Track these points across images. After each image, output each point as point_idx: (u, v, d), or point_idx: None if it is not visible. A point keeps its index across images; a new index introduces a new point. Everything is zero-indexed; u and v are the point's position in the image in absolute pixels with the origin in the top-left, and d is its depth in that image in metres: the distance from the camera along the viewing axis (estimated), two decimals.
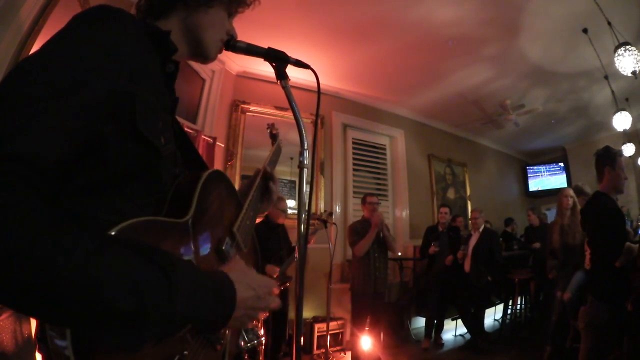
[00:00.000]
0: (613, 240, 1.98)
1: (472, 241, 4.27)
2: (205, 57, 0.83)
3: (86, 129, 0.50)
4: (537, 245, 4.81)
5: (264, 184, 1.01)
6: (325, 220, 3.52)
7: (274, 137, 1.21)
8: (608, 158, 2.21)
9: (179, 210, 0.63)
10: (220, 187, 0.77)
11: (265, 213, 3.52)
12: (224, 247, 0.72)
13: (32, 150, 0.43)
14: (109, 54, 0.54)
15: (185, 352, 0.59)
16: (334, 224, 3.58)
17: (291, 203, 4.18)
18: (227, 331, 0.75)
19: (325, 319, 3.57)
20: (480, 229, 4.29)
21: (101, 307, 0.41)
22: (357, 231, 3.40)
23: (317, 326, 3.84)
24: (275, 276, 3.12)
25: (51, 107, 0.46)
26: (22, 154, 0.42)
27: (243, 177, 4.23)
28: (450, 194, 6.32)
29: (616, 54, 3.12)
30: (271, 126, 1.30)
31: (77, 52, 0.51)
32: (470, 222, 4.71)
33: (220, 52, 0.85)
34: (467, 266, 4.20)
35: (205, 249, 0.68)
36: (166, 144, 0.64)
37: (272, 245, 3.35)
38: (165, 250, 0.51)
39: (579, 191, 3.85)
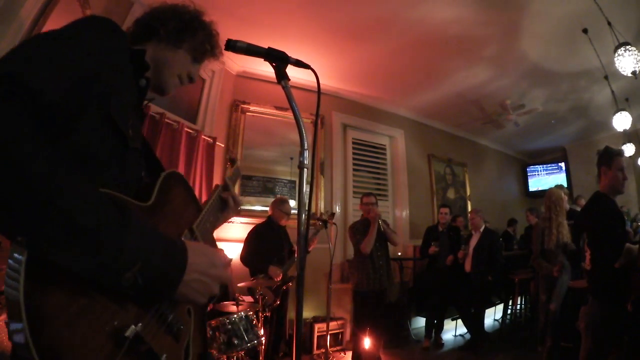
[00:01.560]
0: (612, 241, 1.98)
1: (473, 241, 4.28)
2: (161, 90, 0.92)
3: (75, 91, 0.58)
4: None
5: (222, 196, 1.09)
6: (325, 220, 3.52)
7: (232, 161, 1.34)
8: (605, 158, 2.19)
9: (141, 200, 0.68)
10: (179, 186, 0.82)
11: (269, 214, 3.54)
12: (183, 239, 0.73)
13: (38, 86, 0.52)
14: (105, 50, 0.66)
15: (140, 324, 0.57)
16: (334, 224, 3.58)
17: (291, 203, 4.18)
18: (188, 317, 0.77)
19: (325, 319, 3.57)
20: (481, 229, 4.29)
21: (59, 215, 0.47)
22: (358, 230, 3.41)
23: (317, 326, 3.84)
24: (278, 279, 3.10)
25: (59, 61, 0.57)
26: (29, 84, 0.51)
27: (243, 177, 4.23)
28: (450, 194, 6.32)
29: (616, 54, 3.12)
30: (231, 152, 1.50)
31: (85, 39, 0.64)
32: (469, 222, 4.72)
33: (176, 88, 0.93)
34: (467, 266, 4.20)
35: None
36: (134, 139, 0.72)
37: (274, 246, 3.36)
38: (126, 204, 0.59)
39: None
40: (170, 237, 0.63)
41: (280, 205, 3.53)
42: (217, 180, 3.98)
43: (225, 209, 1.09)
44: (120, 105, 0.67)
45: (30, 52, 0.55)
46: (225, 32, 0.97)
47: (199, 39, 0.92)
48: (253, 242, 3.36)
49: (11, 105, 0.48)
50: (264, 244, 3.34)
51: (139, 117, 0.82)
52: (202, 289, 0.65)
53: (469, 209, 6.32)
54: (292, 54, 0.94)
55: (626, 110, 4.20)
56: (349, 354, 3.79)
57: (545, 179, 8.00)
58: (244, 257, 3.33)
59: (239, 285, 2.87)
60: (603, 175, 2.18)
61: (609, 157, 2.16)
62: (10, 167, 0.45)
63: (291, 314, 3.58)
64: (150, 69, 0.83)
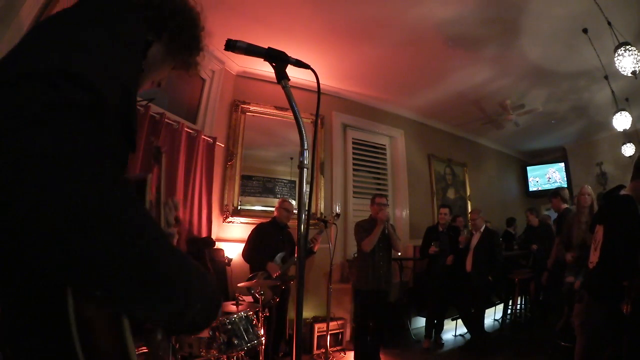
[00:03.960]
0: (627, 247, 1.88)
1: (474, 241, 4.28)
2: None
3: (123, 93, 0.51)
4: (534, 247, 4.82)
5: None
6: (325, 220, 3.54)
7: (157, 155, 1.04)
8: None
9: None
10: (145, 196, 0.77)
11: (274, 215, 3.56)
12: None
13: (102, 90, 0.44)
14: (139, 38, 0.63)
15: None
16: (334, 224, 3.59)
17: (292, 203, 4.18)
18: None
19: (325, 319, 3.57)
20: (482, 229, 4.29)
21: (142, 265, 0.41)
22: (364, 228, 3.43)
23: (317, 326, 3.84)
24: (275, 275, 3.14)
25: (113, 56, 0.51)
26: (95, 88, 0.43)
27: (243, 177, 4.24)
28: (450, 194, 6.32)
29: (616, 54, 3.12)
30: (154, 143, 1.23)
31: (128, 25, 0.60)
32: (469, 222, 4.72)
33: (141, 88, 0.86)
34: (468, 266, 4.20)
35: None
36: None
37: (275, 245, 3.39)
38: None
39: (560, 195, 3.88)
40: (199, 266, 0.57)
41: (282, 204, 3.58)
42: (217, 180, 3.98)
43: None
44: (133, 106, 0.60)
45: (86, 44, 0.47)
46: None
47: (193, 54, 0.88)
48: (255, 239, 3.41)
49: (81, 116, 0.40)
50: (265, 242, 3.38)
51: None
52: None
53: (469, 209, 6.32)
54: (292, 53, 0.94)
55: (626, 110, 4.20)
56: (349, 354, 3.80)
57: (545, 179, 7.99)
58: (245, 253, 3.40)
59: (238, 285, 2.87)
60: (638, 179, 2.01)
61: None
62: (92, 214, 0.37)
63: (291, 314, 3.58)
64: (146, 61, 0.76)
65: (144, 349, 0.61)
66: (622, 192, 2.08)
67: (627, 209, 1.97)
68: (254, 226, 3.58)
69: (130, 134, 0.59)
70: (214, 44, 3.78)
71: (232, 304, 2.58)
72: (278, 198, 4.07)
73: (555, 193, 4.13)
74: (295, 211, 3.72)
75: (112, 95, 0.46)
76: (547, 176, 7.97)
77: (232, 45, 0.90)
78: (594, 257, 2.09)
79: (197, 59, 0.90)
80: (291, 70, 0.94)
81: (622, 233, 1.96)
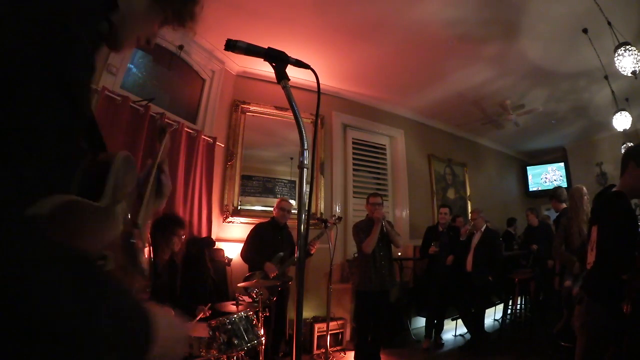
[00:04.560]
0: (623, 244, 1.88)
1: (474, 241, 4.28)
2: (115, 45, 0.68)
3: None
4: (534, 247, 4.82)
5: (157, 177, 0.88)
6: (325, 220, 3.54)
7: (161, 133, 1.03)
8: (636, 153, 1.96)
9: (90, 193, 0.52)
10: (130, 173, 0.67)
11: (273, 215, 3.56)
12: (132, 240, 0.64)
13: None
14: None
15: None
16: (335, 224, 3.59)
17: (291, 203, 4.18)
18: None
19: (325, 319, 3.57)
20: (482, 229, 4.29)
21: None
22: (362, 230, 3.43)
23: (317, 326, 3.84)
24: (272, 276, 3.14)
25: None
26: None
27: (243, 177, 4.24)
28: (450, 194, 6.32)
29: (616, 54, 3.12)
30: (159, 119, 1.19)
31: None
32: (470, 222, 4.72)
33: (131, 48, 0.74)
34: (469, 265, 4.21)
35: (119, 240, 0.61)
36: (86, 110, 0.53)
37: (273, 245, 3.39)
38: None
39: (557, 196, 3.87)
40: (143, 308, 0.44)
41: (280, 204, 3.58)
42: (217, 180, 3.97)
43: (160, 195, 0.87)
44: (82, 61, 0.49)
45: None
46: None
47: (188, 2, 0.74)
48: (253, 239, 3.41)
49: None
50: (264, 242, 3.38)
51: (89, 73, 0.58)
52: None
53: (469, 209, 6.32)
54: (292, 53, 0.94)
55: (626, 110, 4.20)
56: (349, 354, 3.80)
57: (545, 179, 7.99)
58: (243, 253, 3.41)
59: (238, 285, 2.88)
60: (628, 172, 1.98)
61: None
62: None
63: (291, 314, 3.58)
64: (118, 11, 0.62)
65: None
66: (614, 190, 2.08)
67: (617, 204, 1.97)
68: (255, 225, 3.59)
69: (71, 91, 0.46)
70: (214, 43, 3.80)
71: (232, 304, 2.59)
72: (278, 198, 4.07)
73: (551, 195, 4.15)
74: (294, 211, 3.77)
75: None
76: (546, 176, 7.97)
77: (232, 45, 0.90)
78: (590, 258, 2.09)
79: (194, 8, 0.76)
80: (291, 70, 0.94)
81: (614, 228, 1.95)
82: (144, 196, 0.76)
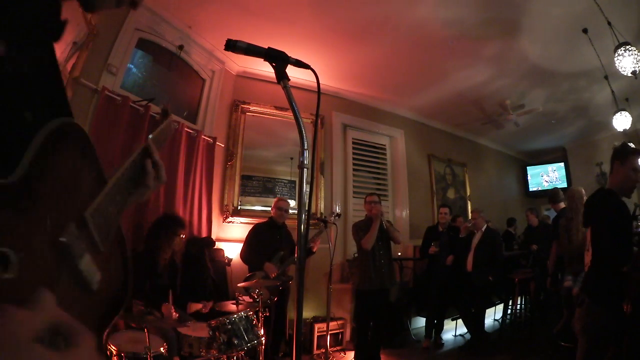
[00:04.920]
0: (618, 241, 1.90)
1: (475, 241, 4.28)
2: (88, 3, 0.60)
3: None
4: (534, 247, 4.81)
5: (141, 162, 0.72)
6: (325, 220, 3.54)
7: (164, 112, 0.96)
8: (620, 153, 2.06)
9: (8, 160, 0.40)
10: (73, 148, 0.51)
11: (271, 215, 3.55)
12: (64, 239, 0.45)
13: None
14: None
15: None
16: (334, 224, 3.59)
17: (291, 203, 4.18)
18: None
19: (325, 319, 3.57)
20: (483, 229, 4.29)
21: None
22: (361, 228, 3.44)
23: (317, 326, 3.84)
24: (272, 276, 3.14)
25: None
26: None
27: (243, 177, 4.24)
28: (450, 194, 6.32)
29: (616, 54, 3.12)
30: (162, 105, 1.03)
31: None
32: (470, 220, 4.72)
33: (107, 9, 0.65)
34: (469, 265, 4.21)
35: (37, 236, 0.41)
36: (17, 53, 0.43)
37: (272, 245, 3.39)
38: None
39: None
40: None
41: (277, 203, 3.58)
42: (217, 180, 3.97)
43: (142, 182, 0.72)
44: None
45: None
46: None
47: None
48: (252, 240, 3.41)
49: None
50: (263, 242, 3.38)
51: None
52: None
53: (469, 209, 6.32)
54: (292, 53, 0.94)
55: (626, 110, 4.20)
56: (349, 354, 3.80)
57: (545, 179, 7.99)
58: (243, 254, 3.41)
59: (238, 285, 2.88)
60: (614, 171, 2.06)
61: (625, 153, 2.04)
62: None
63: (291, 314, 3.58)
64: None
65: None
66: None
67: (608, 201, 2.01)
68: (253, 225, 3.59)
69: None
70: (214, 43, 3.81)
71: (232, 304, 2.59)
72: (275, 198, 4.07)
73: (549, 198, 4.20)
74: (292, 210, 3.76)
75: None
76: (546, 176, 7.97)
77: (232, 45, 0.90)
78: (587, 259, 2.10)
79: None
80: (291, 70, 0.94)
81: (607, 224, 1.98)
82: (107, 182, 0.59)
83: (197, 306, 2.66)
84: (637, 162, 2.03)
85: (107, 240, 0.56)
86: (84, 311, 0.51)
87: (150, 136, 0.76)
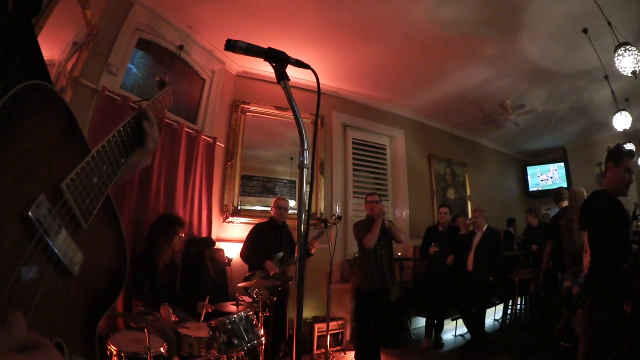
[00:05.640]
0: (616, 240, 1.92)
1: (475, 240, 4.28)
2: None
3: None
4: (534, 247, 4.81)
5: (135, 125, 0.67)
6: (325, 220, 3.54)
7: (161, 83, 0.94)
8: (614, 154, 2.09)
9: None
10: (46, 110, 0.46)
11: (271, 215, 3.55)
12: (29, 213, 0.39)
13: None
14: None
15: None
16: (335, 224, 3.59)
17: (291, 203, 4.18)
18: None
19: (325, 319, 3.57)
20: (484, 228, 4.29)
21: None
22: (362, 227, 3.45)
23: (317, 326, 3.84)
24: (272, 274, 3.15)
25: None
26: None
27: (243, 177, 4.23)
28: (450, 194, 6.32)
29: (616, 54, 3.12)
30: (159, 77, 1.03)
31: None
32: (470, 219, 4.72)
33: None
34: (470, 265, 4.21)
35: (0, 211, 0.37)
36: None
37: (272, 245, 3.39)
38: None
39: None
40: None
41: (276, 203, 3.59)
42: (217, 180, 3.97)
43: (140, 144, 0.67)
44: None
45: None
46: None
47: None
48: (252, 239, 3.42)
49: None
50: (263, 241, 3.39)
51: None
52: None
53: (469, 209, 6.32)
54: (292, 53, 0.94)
55: (626, 110, 4.20)
56: (349, 354, 3.80)
57: (545, 179, 7.99)
58: (243, 253, 3.42)
59: (238, 285, 2.88)
60: (609, 171, 2.10)
61: (618, 154, 2.07)
62: None
63: (291, 314, 3.58)
64: None
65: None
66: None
67: (603, 201, 2.03)
68: (254, 225, 3.59)
69: None
70: (214, 43, 3.81)
71: (232, 304, 2.59)
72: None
73: (554, 197, 4.21)
74: (292, 210, 3.76)
75: None
76: (546, 176, 7.97)
77: (232, 45, 0.90)
78: (586, 261, 2.10)
79: None
80: (291, 70, 0.94)
81: (603, 224, 2.00)
82: (88, 154, 0.51)
83: (207, 307, 2.64)
84: (631, 163, 2.07)
85: (90, 215, 0.49)
86: (64, 302, 0.44)
87: (148, 102, 0.73)
